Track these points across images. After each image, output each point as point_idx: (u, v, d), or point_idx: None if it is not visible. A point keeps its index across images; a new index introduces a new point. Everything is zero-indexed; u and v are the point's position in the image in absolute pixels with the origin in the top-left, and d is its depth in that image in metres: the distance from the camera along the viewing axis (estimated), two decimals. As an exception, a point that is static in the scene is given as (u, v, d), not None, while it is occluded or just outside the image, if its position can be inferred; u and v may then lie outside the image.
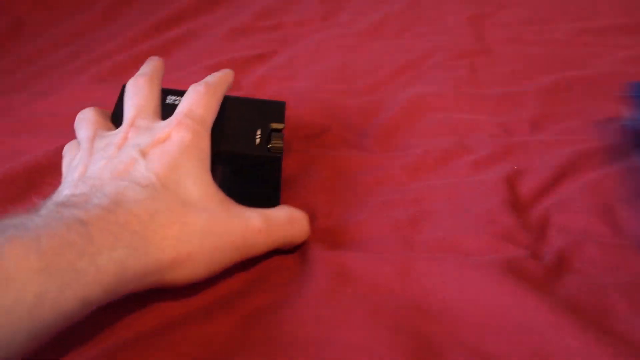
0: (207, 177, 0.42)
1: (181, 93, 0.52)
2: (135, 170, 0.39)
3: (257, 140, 0.52)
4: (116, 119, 0.52)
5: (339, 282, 0.42)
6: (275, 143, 0.52)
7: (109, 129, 0.47)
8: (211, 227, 0.39)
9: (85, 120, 0.48)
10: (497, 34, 0.82)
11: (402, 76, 0.73)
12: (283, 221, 0.44)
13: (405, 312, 0.40)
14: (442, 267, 0.43)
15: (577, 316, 0.39)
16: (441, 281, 0.42)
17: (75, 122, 0.49)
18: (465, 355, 0.37)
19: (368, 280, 0.42)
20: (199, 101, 0.45)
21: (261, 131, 0.53)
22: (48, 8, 0.88)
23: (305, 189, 0.54)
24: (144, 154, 0.40)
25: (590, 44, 0.78)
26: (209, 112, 0.46)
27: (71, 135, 0.59)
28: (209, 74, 0.71)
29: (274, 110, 0.56)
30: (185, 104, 0.45)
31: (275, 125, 0.54)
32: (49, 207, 0.36)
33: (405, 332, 0.38)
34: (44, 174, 0.53)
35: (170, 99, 0.53)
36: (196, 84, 0.48)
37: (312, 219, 0.48)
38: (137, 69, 0.75)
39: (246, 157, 0.51)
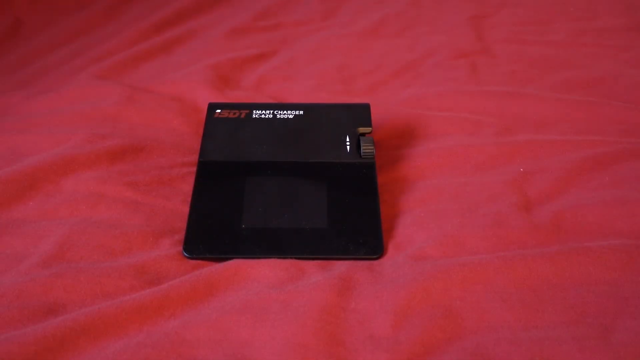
0: None
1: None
2: None
3: (348, 148, 0.53)
4: (206, 153, 0.53)
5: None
6: (366, 148, 0.52)
7: None
8: None
9: None
10: (497, 34, 0.82)
11: (402, 76, 0.73)
12: None
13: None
14: (446, 269, 0.43)
15: (580, 321, 0.39)
16: (444, 285, 0.42)
17: None
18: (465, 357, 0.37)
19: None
20: None
21: (350, 137, 0.53)
22: (47, 8, 0.88)
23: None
24: None
25: (590, 44, 0.78)
26: None
27: (71, 133, 0.59)
28: (210, 73, 0.71)
29: (359, 113, 0.56)
30: None
31: (363, 130, 0.54)
32: None
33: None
34: (45, 174, 0.53)
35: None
36: None
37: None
38: (137, 68, 0.76)
39: (339, 165, 0.52)
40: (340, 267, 0.45)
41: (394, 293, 0.41)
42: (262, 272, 0.44)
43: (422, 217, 0.49)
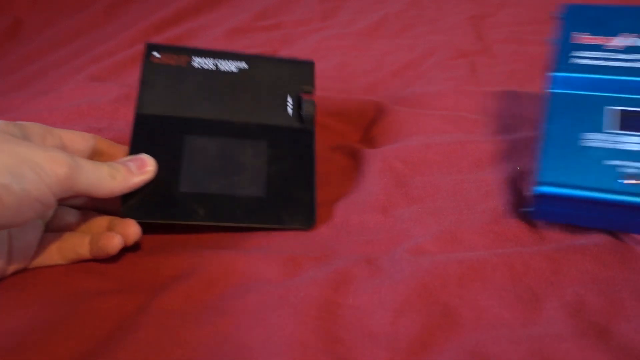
0: None
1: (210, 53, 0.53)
2: None
3: (290, 110, 0.52)
4: (144, 105, 0.51)
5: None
6: (307, 110, 0.52)
7: None
8: None
9: None
10: (497, 34, 0.82)
11: (402, 76, 0.73)
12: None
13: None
14: (444, 265, 0.43)
15: (579, 319, 0.38)
16: (442, 282, 0.42)
17: None
18: (463, 356, 0.37)
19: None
20: None
21: (291, 97, 0.53)
22: (47, 8, 0.88)
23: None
24: None
25: (590, 44, 0.78)
26: None
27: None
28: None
29: (302, 71, 0.55)
30: None
31: (305, 88, 0.54)
32: None
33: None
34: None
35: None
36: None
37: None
38: (136, 68, 0.76)
39: (280, 129, 0.51)
40: (338, 262, 0.45)
41: (392, 289, 0.41)
42: (259, 268, 0.44)
43: (420, 213, 0.49)
